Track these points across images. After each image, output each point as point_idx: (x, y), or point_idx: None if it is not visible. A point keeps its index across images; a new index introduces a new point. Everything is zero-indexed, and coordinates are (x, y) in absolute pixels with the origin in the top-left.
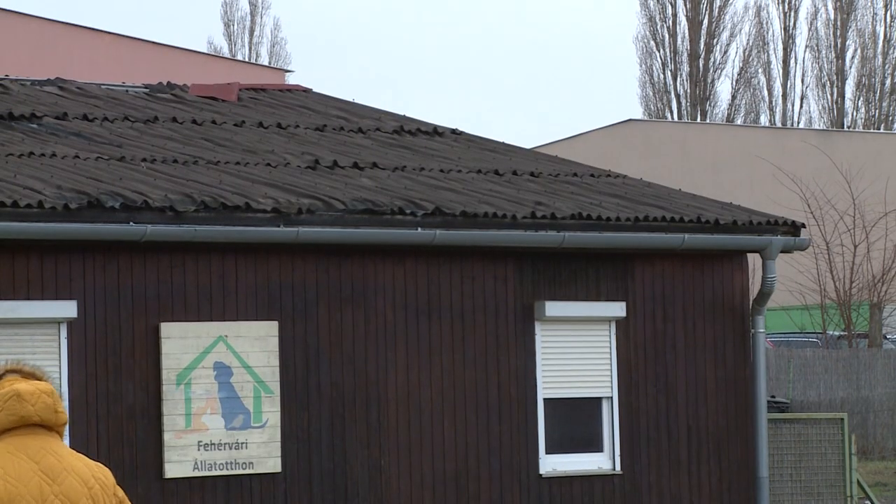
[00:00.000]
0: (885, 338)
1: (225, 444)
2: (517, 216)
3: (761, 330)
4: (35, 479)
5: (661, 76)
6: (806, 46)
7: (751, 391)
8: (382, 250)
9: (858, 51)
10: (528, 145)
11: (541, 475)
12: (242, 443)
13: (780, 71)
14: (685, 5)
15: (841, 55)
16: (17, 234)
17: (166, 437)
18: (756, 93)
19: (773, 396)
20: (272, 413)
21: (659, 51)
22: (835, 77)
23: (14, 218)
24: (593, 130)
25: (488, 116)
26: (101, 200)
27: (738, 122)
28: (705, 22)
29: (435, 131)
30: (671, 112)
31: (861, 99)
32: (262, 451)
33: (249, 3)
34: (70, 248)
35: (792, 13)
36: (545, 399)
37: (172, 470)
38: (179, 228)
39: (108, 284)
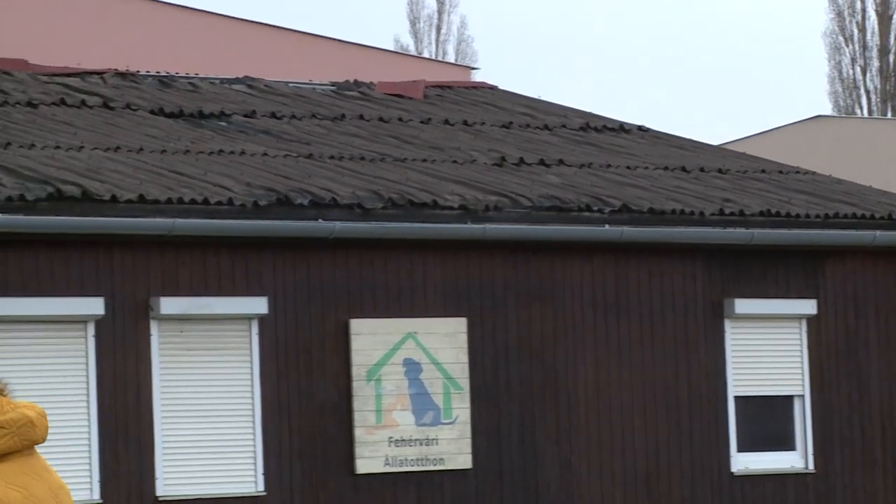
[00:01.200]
0: None
1: (415, 440)
2: (705, 213)
3: None
4: (50, 499)
5: (850, 72)
6: None
7: None
8: (570, 247)
9: None
10: (715, 142)
11: (732, 473)
12: (433, 439)
13: None
14: (874, 0)
15: None
16: (208, 231)
17: (357, 432)
18: None
19: None
20: (462, 409)
21: (848, 46)
22: None
23: (205, 215)
24: (781, 127)
25: (675, 113)
26: (289, 198)
27: None
28: (895, 17)
29: (621, 128)
30: (860, 108)
31: None
32: (453, 448)
33: (437, 1)
34: (260, 245)
35: None
36: (736, 397)
37: (364, 466)
38: (367, 225)
39: (298, 281)
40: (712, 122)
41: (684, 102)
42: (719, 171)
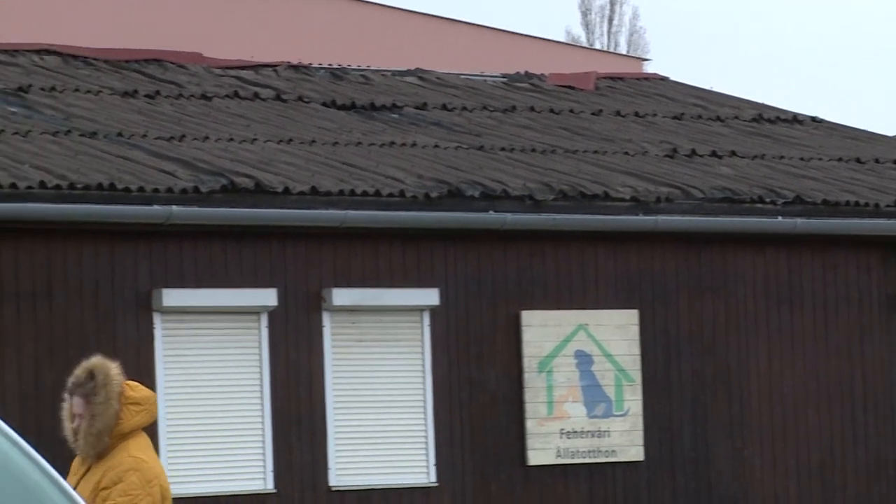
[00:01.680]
0: None
1: (587, 431)
2: (880, 204)
3: None
4: (163, 473)
5: None
6: None
7: None
8: (742, 239)
9: None
10: (891, 132)
11: None
12: (605, 431)
13: None
14: None
15: None
16: (380, 222)
17: (529, 424)
18: None
19: None
20: (634, 401)
21: None
22: None
23: (377, 206)
24: None
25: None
26: (461, 189)
27: None
28: None
29: (794, 119)
30: None
31: None
32: (625, 440)
33: None
34: (431, 237)
35: None
36: None
37: (535, 457)
38: (539, 217)
39: (469, 272)
40: (888, 112)
41: (859, 92)
42: (895, 162)
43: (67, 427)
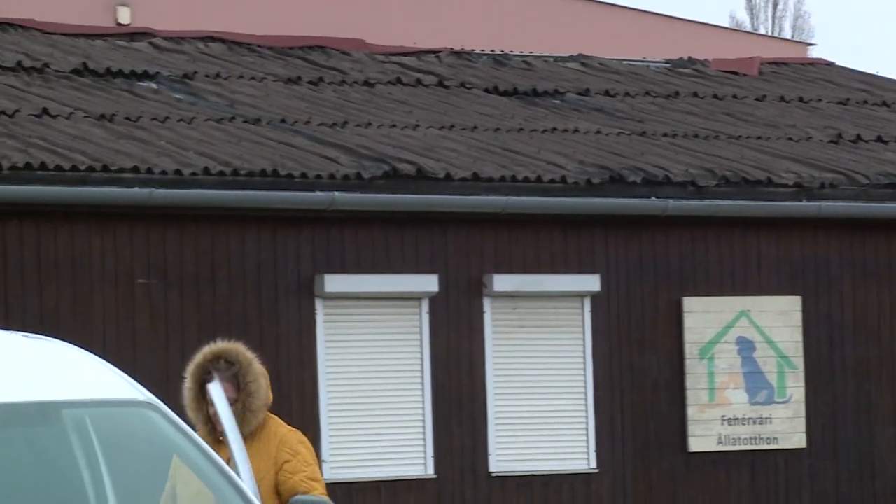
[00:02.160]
0: None
1: (749, 418)
2: None
3: None
4: None
5: None
6: None
7: None
8: None
9: None
10: None
11: None
12: (766, 418)
13: None
14: None
15: None
16: (542, 208)
17: (690, 411)
18: None
19: None
20: (796, 388)
21: None
22: None
23: (538, 192)
24: None
25: None
26: (622, 175)
27: None
28: None
29: None
30: None
31: None
32: (787, 427)
33: None
34: (592, 223)
35: None
36: None
37: (696, 444)
38: (701, 203)
39: (631, 258)
40: None
41: None
42: None
43: (195, 415)
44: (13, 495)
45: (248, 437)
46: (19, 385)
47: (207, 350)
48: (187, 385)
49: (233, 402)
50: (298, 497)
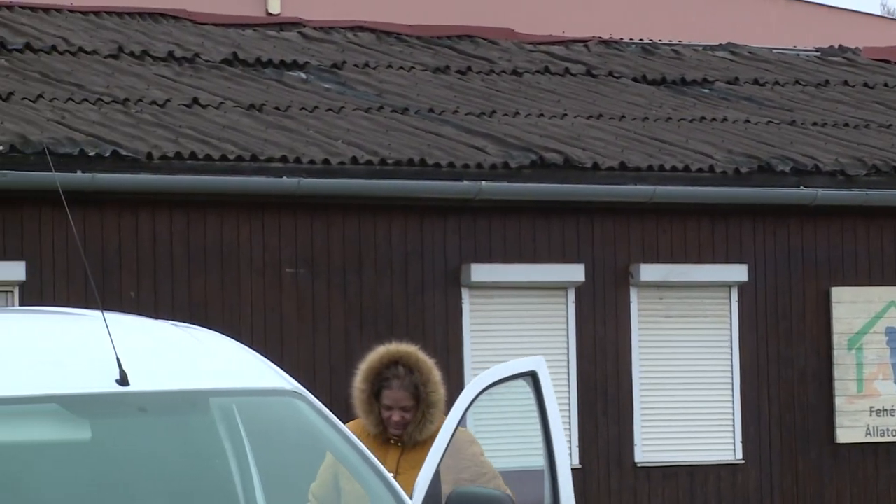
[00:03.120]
0: None
1: None
2: None
3: None
4: None
5: None
6: None
7: None
8: None
9: None
10: None
11: None
12: None
13: None
14: None
15: None
16: (689, 197)
17: (838, 402)
18: None
19: None
20: None
21: None
22: None
23: (686, 182)
24: None
25: None
26: (771, 164)
27: None
28: None
29: None
30: None
31: None
32: None
33: None
34: (740, 212)
35: None
36: None
37: (844, 435)
38: (850, 192)
39: (779, 248)
40: None
41: None
42: None
43: (367, 417)
44: (161, 483)
45: (420, 443)
46: (168, 373)
47: (385, 353)
48: (359, 386)
49: (410, 411)
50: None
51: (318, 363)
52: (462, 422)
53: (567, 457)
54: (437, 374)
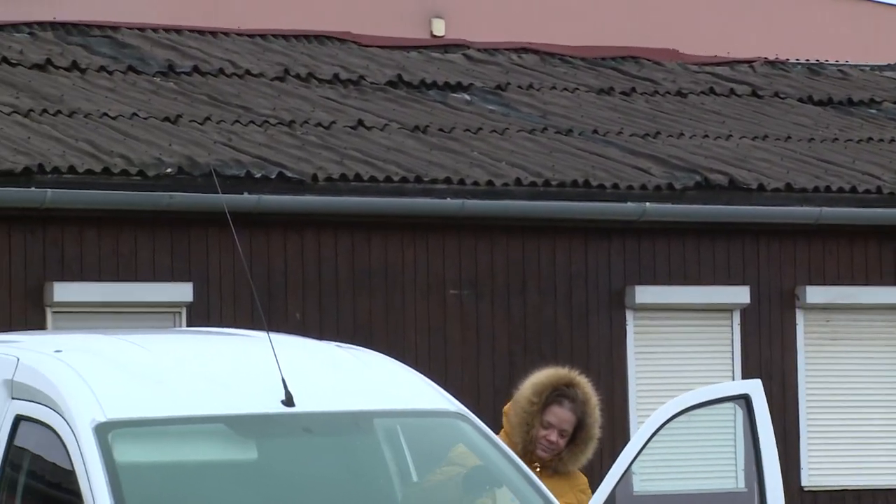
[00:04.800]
0: None
1: None
2: None
3: None
4: None
5: None
6: None
7: None
8: None
9: None
10: None
11: None
12: None
13: None
14: None
15: None
16: (856, 219)
17: None
18: None
19: None
20: None
21: None
22: None
23: (853, 203)
24: None
25: None
26: None
27: None
28: None
29: None
30: None
31: None
32: None
33: None
34: None
35: None
36: None
37: None
38: None
39: None
40: None
41: None
42: None
43: (523, 431)
44: (327, 502)
45: (561, 474)
46: (333, 395)
47: (565, 373)
48: (528, 398)
49: (565, 437)
50: None
51: (482, 385)
52: (649, 441)
53: (780, 483)
54: (598, 412)
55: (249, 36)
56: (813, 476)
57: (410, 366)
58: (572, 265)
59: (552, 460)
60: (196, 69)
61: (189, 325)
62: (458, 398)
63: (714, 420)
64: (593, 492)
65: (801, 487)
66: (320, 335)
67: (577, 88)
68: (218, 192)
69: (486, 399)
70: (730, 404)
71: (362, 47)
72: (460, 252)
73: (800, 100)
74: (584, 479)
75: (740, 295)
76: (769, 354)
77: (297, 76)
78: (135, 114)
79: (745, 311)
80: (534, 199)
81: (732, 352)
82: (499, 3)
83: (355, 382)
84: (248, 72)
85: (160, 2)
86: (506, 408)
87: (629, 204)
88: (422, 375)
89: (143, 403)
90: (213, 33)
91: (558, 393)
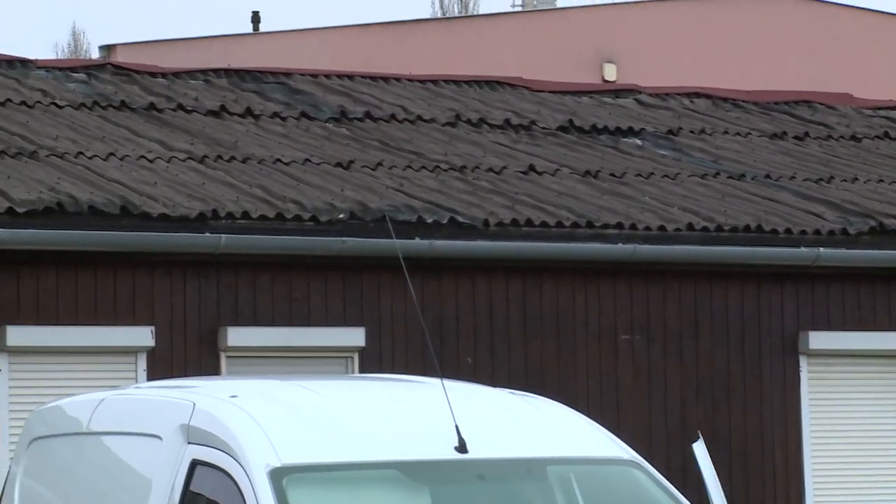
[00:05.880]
0: None
1: None
2: None
3: None
4: None
5: None
6: None
7: None
8: None
9: None
10: None
11: None
12: None
13: None
14: None
15: None
16: None
17: None
18: None
19: None
20: None
21: None
22: None
23: None
24: None
25: None
26: None
27: None
28: None
29: None
30: None
31: None
32: None
33: None
34: None
35: None
36: None
37: None
38: None
39: None
40: None
41: None
42: None
43: None
44: None
45: None
46: (506, 441)
47: None
48: None
49: None
50: None
51: (654, 431)
52: None
53: None
54: None
55: (421, 81)
56: None
57: (582, 412)
58: (745, 310)
59: None
60: (368, 115)
61: (361, 370)
62: (630, 445)
63: None
64: None
65: None
66: (492, 380)
67: (750, 133)
68: (390, 238)
69: (658, 446)
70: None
71: (533, 92)
72: (632, 297)
73: None
74: None
75: None
76: None
77: (469, 121)
78: (307, 159)
79: None
80: (706, 243)
81: None
82: (671, 47)
83: (528, 429)
84: (419, 117)
85: (333, 48)
86: None
87: (802, 249)
88: (594, 422)
89: (317, 448)
90: (385, 79)
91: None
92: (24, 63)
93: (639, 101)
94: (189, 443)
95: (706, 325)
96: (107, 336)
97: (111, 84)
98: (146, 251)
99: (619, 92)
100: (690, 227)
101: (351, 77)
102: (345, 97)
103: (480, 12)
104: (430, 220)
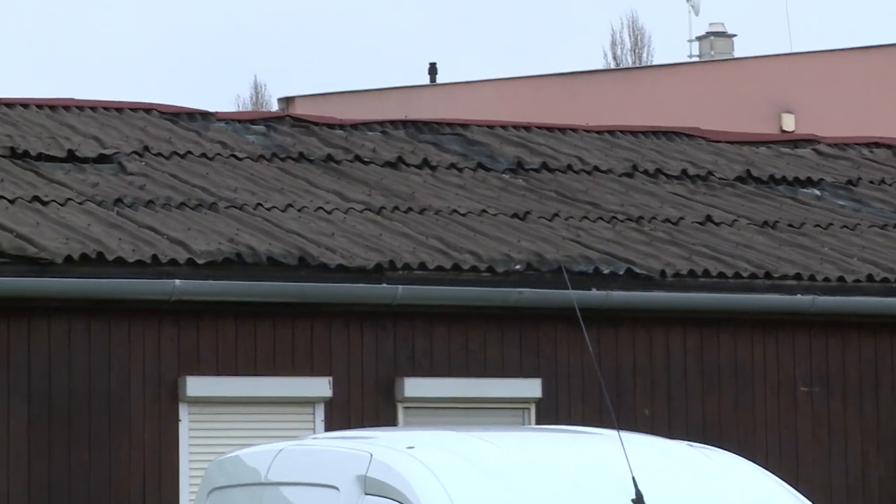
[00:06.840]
0: None
1: None
2: None
3: None
4: None
5: None
6: None
7: None
8: None
9: None
10: None
11: None
12: None
13: None
14: None
15: None
16: None
17: None
18: None
19: None
20: None
21: None
22: None
23: None
24: None
25: None
26: None
27: None
28: None
29: None
30: None
31: None
32: None
33: None
34: None
35: None
36: None
37: None
38: None
39: None
40: None
41: None
42: None
43: None
44: None
45: None
46: (686, 496)
47: None
48: None
49: None
50: None
51: (835, 486)
52: None
53: None
54: None
55: (598, 132)
56: None
57: (760, 465)
58: None
59: None
60: (545, 165)
61: (538, 421)
62: (810, 499)
63: None
64: None
65: None
66: (669, 433)
67: None
68: (567, 288)
69: (839, 501)
70: None
71: (711, 143)
72: (811, 348)
73: None
74: None
75: None
76: None
77: (646, 172)
78: (484, 210)
79: None
80: (886, 295)
81: None
82: (849, 97)
83: (707, 483)
84: (596, 168)
85: (506, 99)
86: None
87: None
88: (773, 476)
89: (493, 501)
90: (562, 130)
91: None
92: (205, 115)
93: (817, 152)
94: (366, 493)
95: (887, 377)
96: (285, 387)
97: (289, 136)
98: (324, 302)
99: (797, 142)
100: (871, 278)
101: (527, 128)
102: (521, 148)
103: (654, 63)
104: (606, 271)
